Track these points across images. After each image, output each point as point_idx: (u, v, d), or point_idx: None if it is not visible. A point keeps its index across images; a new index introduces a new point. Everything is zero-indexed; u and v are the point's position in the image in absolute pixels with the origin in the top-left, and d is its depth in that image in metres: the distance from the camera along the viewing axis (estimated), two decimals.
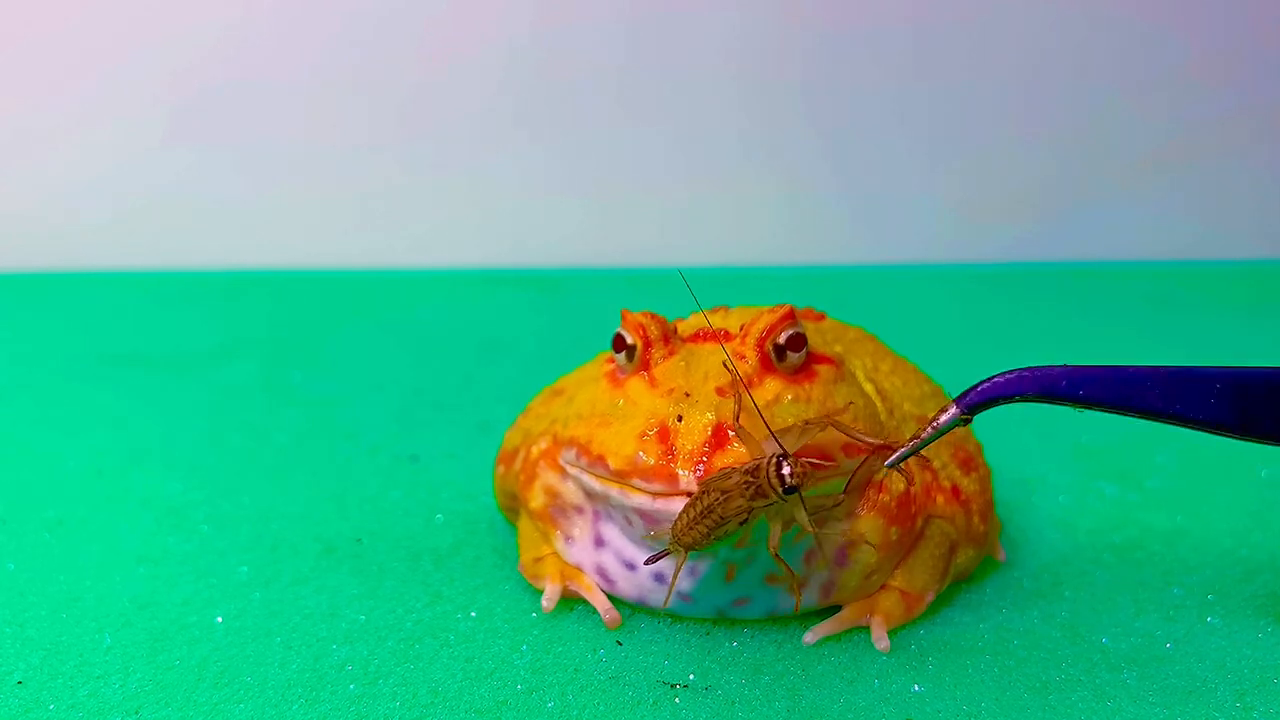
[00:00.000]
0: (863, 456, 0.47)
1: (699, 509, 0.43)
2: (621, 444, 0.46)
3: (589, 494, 0.50)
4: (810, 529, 0.44)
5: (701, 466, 0.44)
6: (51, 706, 0.46)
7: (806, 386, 0.49)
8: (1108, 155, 1.29)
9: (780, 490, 0.42)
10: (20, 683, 0.47)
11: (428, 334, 1.01)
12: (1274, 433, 0.44)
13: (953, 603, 0.54)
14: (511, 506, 0.59)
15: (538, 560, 0.54)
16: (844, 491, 0.47)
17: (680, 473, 0.45)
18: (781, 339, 0.49)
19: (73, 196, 1.22)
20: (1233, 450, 0.72)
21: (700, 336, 0.51)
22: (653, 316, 0.50)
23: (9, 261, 1.22)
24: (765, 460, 0.43)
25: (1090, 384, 0.43)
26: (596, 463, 0.47)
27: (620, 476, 0.46)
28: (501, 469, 0.59)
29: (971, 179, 1.29)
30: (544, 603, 0.52)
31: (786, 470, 0.42)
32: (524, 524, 0.56)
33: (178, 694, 0.47)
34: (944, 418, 0.43)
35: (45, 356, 0.93)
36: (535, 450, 0.55)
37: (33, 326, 1.02)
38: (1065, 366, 0.43)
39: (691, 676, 0.48)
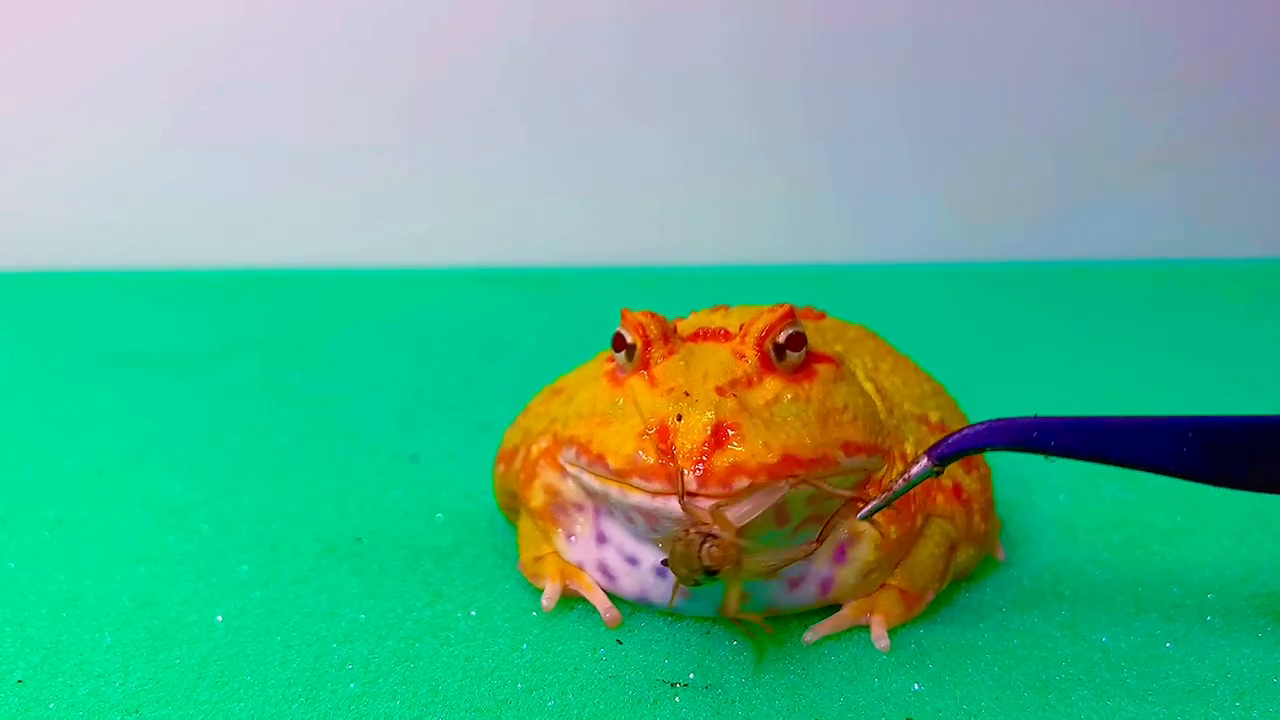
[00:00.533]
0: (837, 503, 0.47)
1: (672, 543, 0.44)
2: (621, 443, 0.46)
3: (589, 492, 0.50)
4: (733, 609, 0.45)
5: (701, 466, 0.44)
6: (51, 705, 0.46)
7: (806, 386, 0.49)
8: (1107, 154, 1.29)
9: (701, 571, 0.43)
10: (20, 681, 0.47)
11: (428, 334, 1.01)
12: (1246, 480, 0.45)
13: (953, 602, 0.54)
14: (511, 506, 0.59)
15: (538, 559, 0.54)
16: (817, 540, 0.47)
17: (680, 472, 0.45)
18: (781, 338, 0.49)
19: (73, 196, 1.22)
20: None
21: (700, 336, 0.51)
22: (652, 316, 0.50)
23: (9, 261, 1.22)
24: (697, 533, 0.43)
25: (1061, 435, 0.44)
26: (596, 462, 0.47)
27: (620, 475, 0.46)
28: (501, 468, 0.59)
29: (971, 178, 1.29)
30: (544, 601, 0.52)
31: (705, 551, 0.42)
32: (524, 523, 0.56)
33: (178, 693, 0.47)
34: (915, 470, 0.45)
35: (45, 356, 0.93)
36: (535, 449, 0.55)
37: (33, 326, 1.02)
38: (1035, 418, 0.44)
39: (691, 675, 0.48)
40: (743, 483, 0.44)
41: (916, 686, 0.47)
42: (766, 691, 0.47)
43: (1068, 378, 0.90)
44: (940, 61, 1.24)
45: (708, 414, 0.45)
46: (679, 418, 0.46)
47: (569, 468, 0.50)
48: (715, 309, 0.58)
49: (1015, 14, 1.23)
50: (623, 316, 0.50)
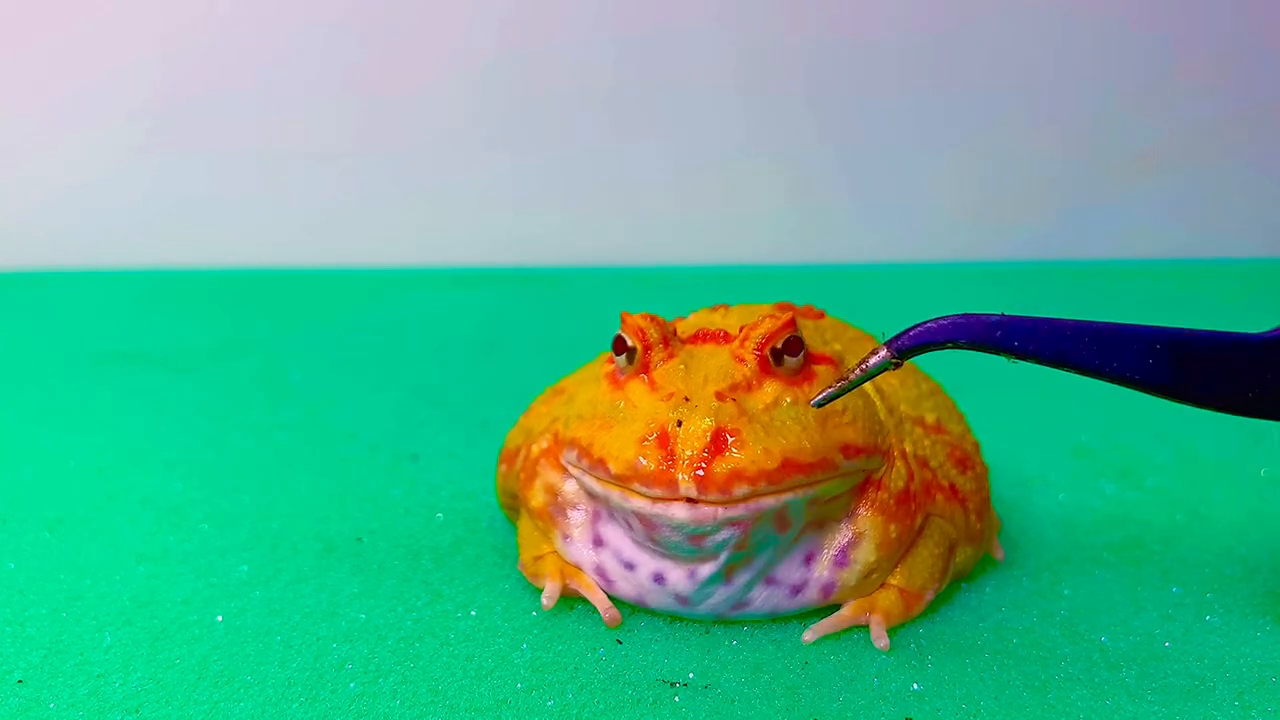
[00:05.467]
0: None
1: None
2: (622, 448, 0.46)
3: (590, 494, 0.51)
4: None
5: (701, 471, 0.44)
6: (52, 705, 0.46)
7: (805, 388, 0.49)
8: (1110, 154, 1.29)
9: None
10: (21, 681, 0.47)
11: (428, 333, 1.01)
12: (1205, 395, 0.44)
13: (952, 601, 0.54)
14: (513, 505, 0.59)
15: (538, 559, 0.54)
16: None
17: (680, 478, 0.45)
18: (779, 343, 0.49)
19: (74, 197, 1.22)
20: (1232, 449, 0.72)
21: (699, 337, 0.51)
22: (652, 319, 0.50)
23: (10, 262, 1.22)
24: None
25: (1024, 335, 0.42)
26: (597, 466, 0.47)
27: (620, 481, 0.46)
28: (504, 468, 0.60)
29: (974, 179, 1.29)
30: (544, 600, 0.52)
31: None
32: (524, 523, 0.57)
33: (178, 693, 0.47)
34: (874, 360, 0.43)
35: (45, 356, 0.93)
36: (536, 449, 0.55)
37: (33, 326, 1.02)
38: (1000, 315, 0.42)
39: (691, 675, 0.48)
40: (742, 489, 0.44)
41: (916, 686, 0.47)
42: (765, 691, 0.47)
43: (1069, 378, 0.90)
44: (942, 62, 1.24)
45: (707, 420, 0.45)
46: (679, 423, 0.46)
47: (571, 469, 0.50)
48: (716, 308, 0.58)
49: (1017, 15, 1.23)
50: (622, 320, 0.50)
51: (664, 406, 0.47)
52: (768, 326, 0.49)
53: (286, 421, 0.78)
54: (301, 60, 1.20)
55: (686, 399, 0.47)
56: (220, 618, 0.52)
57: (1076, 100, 1.27)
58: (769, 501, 0.45)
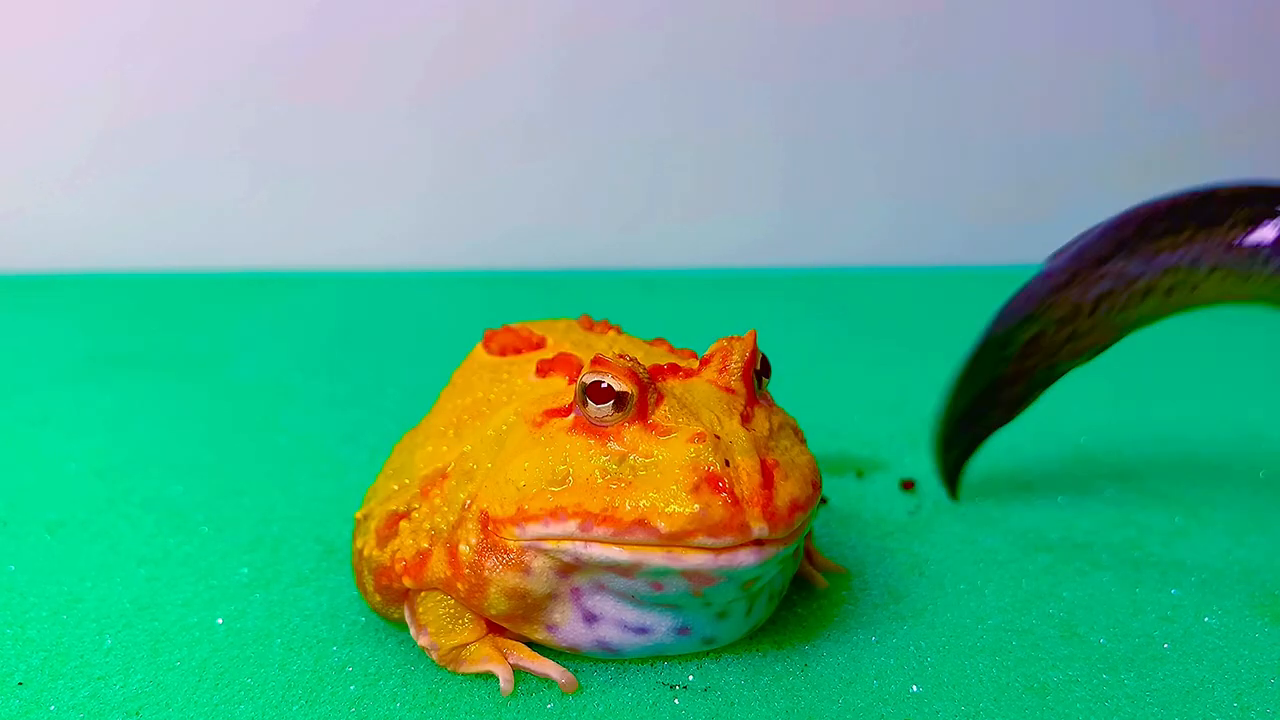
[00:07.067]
0: None
1: None
2: (668, 502, 0.42)
3: (586, 567, 0.45)
4: None
5: (770, 508, 0.42)
6: (52, 707, 0.46)
7: (776, 408, 0.48)
8: (1102, 159, 1.29)
9: None
10: (21, 684, 0.48)
11: (428, 335, 1.02)
12: None
13: (951, 604, 0.54)
14: (392, 598, 0.51)
15: (460, 648, 0.49)
16: None
17: (750, 520, 0.42)
18: (757, 364, 0.47)
19: (75, 199, 1.22)
20: (1231, 452, 0.73)
21: (663, 373, 0.47)
22: (629, 356, 0.45)
23: (10, 264, 1.22)
24: None
25: None
26: (633, 529, 0.42)
27: (678, 539, 0.42)
28: (397, 584, 0.49)
29: (965, 182, 1.29)
30: (503, 686, 0.47)
31: None
32: (430, 609, 0.49)
33: (178, 695, 0.47)
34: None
35: (46, 358, 0.93)
36: (465, 549, 0.47)
37: (33, 327, 1.02)
38: None
39: (690, 678, 0.48)
40: (801, 518, 0.43)
41: (915, 688, 0.47)
42: (765, 694, 0.47)
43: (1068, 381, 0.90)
44: (933, 67, 1.25)
45: (754, 455, 0.43)
46: (726, 463, 0.42)
47: (565, 544, 0.44)
48: (530, 327, 0.58)
49: (1003, 20, 1.23)
50: (602, 365, 0.44)
51: (698, 449, 0.43)
52: (742, 351, 0.47)
53: (286, 424, 0.78)
54: (300, 63, 1.20)
55: (718, 437, 0.43)
56: (221, 620, 0.52)
57: (1069, 108, 1.27)
58: (803, 527, 0.44)
